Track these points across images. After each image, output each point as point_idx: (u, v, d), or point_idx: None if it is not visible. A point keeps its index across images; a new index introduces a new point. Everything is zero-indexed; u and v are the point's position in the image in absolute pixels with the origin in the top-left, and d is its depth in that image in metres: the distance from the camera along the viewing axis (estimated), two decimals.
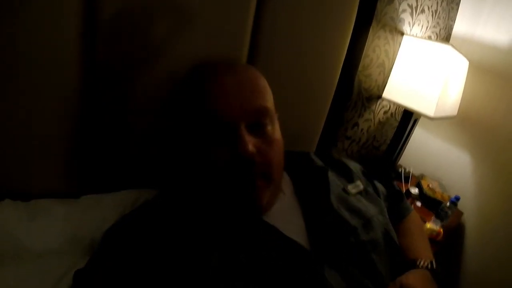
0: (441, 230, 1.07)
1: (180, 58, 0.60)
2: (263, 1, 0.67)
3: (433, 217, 1.14)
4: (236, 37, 0.67)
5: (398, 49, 1.19)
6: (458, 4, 1.42)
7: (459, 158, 1.44)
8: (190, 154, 0.54)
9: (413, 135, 1.46)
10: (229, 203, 0.50)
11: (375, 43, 1.10)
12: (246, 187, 0.47)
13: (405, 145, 1.44)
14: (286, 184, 0.59)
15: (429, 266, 0.56)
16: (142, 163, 0.69)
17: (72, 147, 0.61)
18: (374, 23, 1.02)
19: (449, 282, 1.42)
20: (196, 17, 0.59)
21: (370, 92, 1.24)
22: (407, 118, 1.25)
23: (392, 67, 1.22)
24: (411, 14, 1.18)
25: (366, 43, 1.02)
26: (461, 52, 1.10)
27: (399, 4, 1.10)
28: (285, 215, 0.52)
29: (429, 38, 1.36)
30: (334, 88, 0.94)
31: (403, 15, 1.15)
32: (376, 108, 1.34)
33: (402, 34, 1.18)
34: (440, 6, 1.30)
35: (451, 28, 1.46)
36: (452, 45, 1.02)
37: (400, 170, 1.45)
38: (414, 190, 1.31)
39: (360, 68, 1.09)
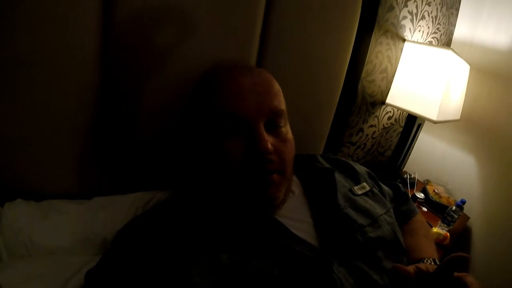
0: (448, 235, 1.06)
1: (188, 64, 0.62)
2: (269, 12, 0.70)
3: (439, 222, 1.14)
4: (244, 46, 0.69)
5: (400, 55, 1.21)
6: (457, 10, 1.44)
7: (464, 162, 1.44)
8: (205, 153, 0.55)
9: (417, 141, 1.46)
10: (244, 200, 0.51)
11: (377, 49, 1.12)
12: (263, 182, 0.49)
13: (410, 151, 1.44)
14: (295, 184, 0.60)
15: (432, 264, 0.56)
16: (156, 164, 0.70)
17: (86, 148, 0.62)
18: (376, 29, 1.04)
19: None
20: (202, 26, 0.61)
21: (374, 98, 1.25)
22: (411, 123, 1.26)
23: (395, 73, 1.24)
24: (412, 21, 1.20)
25: (369, 49, 1.04)
26: (462, 56, 1.11)
27: (400, 10, 1.12)
28: (295, 213, 0.53)
29: (430, 43, 1.38)
30: (339, 94, 0.96)
31: (404, 22, 1.17)
32: (380, 114, 1.35)
33: (404, 40, 1.20)
34: (440, 11, 1.32)
35: (451, 33, 1.48)
36: (453, 50, 1.04)
37: (405, 176, 1.45)
38: (420, 195, 1.31)
39: (363, 74, 1.11)
